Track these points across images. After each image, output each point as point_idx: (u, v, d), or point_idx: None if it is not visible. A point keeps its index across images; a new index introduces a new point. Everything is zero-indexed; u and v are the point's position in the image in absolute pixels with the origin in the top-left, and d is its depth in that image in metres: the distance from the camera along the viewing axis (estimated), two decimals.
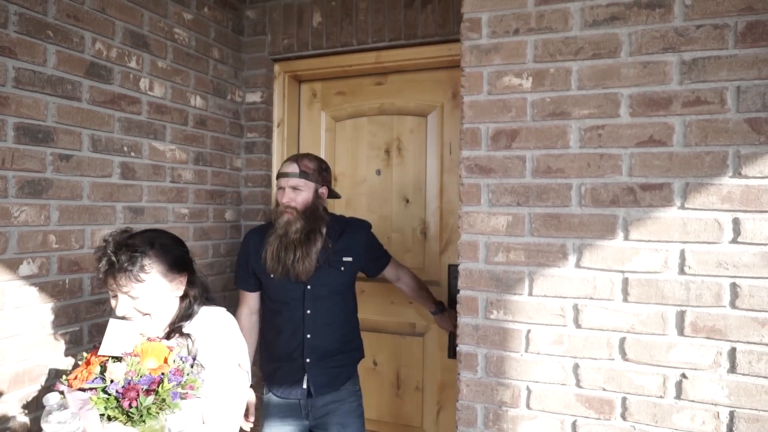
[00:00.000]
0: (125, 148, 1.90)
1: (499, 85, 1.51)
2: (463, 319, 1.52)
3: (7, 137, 1.51)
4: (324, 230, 1.93)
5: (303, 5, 2.45)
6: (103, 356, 1.25)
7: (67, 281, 1.70)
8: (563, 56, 1.44)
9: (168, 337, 1.39)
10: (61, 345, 1.69)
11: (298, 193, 1.90)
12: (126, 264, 1.29)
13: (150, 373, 1.19)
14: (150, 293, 1.33)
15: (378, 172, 2.53)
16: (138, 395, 1.15)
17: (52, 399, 1.14)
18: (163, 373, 1.20)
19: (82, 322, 1.76)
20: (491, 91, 1.51)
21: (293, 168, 1.91)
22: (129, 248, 1.31)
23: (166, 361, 1.25)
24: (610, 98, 1.40)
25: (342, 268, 1.96)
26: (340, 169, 2.60)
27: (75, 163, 1.71)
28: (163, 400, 1.17)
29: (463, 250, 1.53)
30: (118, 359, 1.23)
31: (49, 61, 1.62)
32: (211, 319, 1.46)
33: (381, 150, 2.52)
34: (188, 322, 1.43)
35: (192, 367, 1.29)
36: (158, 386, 1.17)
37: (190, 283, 1.45)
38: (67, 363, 1.71)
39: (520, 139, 1.48)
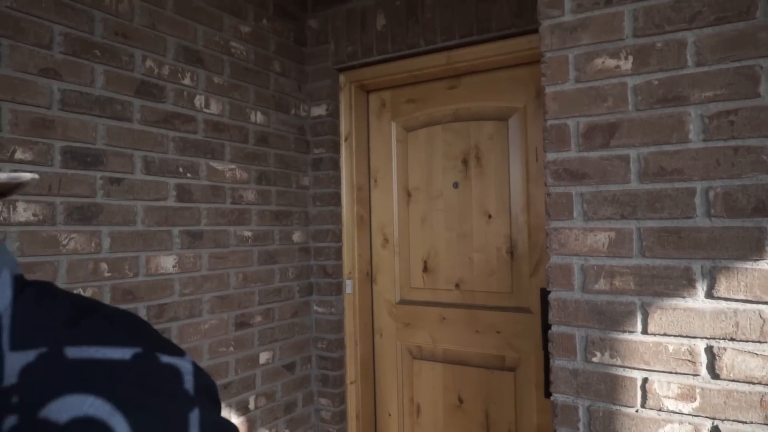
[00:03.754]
0: (181, 169, 1.80)
1: (589, 69, 1.21)
2: (558, 362, 1.22)
3: (54, 161, 1.45)
4: None
5: (366, 8, 2.28)
6: None
7: None
8: (674, 25, 1.13)
9: None
10: None
11: None
12: None
13: None
14: None
15: (455, 185, 2.27)
16: None
17: None
18: None
19: None
20: (580, 78, 1.22)
21: None
22: None
23: None
24: (743, 73, 1.06)
25: None
26: (413, 183, 2.37)
27: (127, 186, 1.63)
28: None
29: (553, 276, 1.24)
30: None
31: (97, 82, 1.55)
32: None
33: (458, 160, 2.27)
34: None
35: None
36: None
37: None
38: None
39: (621, 135, 1.17)
